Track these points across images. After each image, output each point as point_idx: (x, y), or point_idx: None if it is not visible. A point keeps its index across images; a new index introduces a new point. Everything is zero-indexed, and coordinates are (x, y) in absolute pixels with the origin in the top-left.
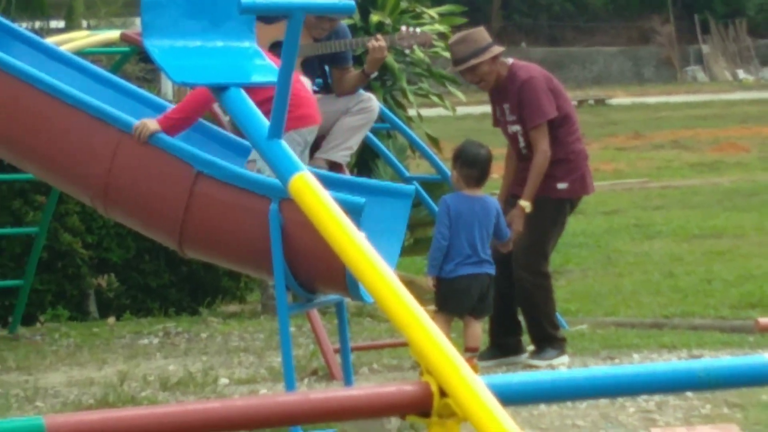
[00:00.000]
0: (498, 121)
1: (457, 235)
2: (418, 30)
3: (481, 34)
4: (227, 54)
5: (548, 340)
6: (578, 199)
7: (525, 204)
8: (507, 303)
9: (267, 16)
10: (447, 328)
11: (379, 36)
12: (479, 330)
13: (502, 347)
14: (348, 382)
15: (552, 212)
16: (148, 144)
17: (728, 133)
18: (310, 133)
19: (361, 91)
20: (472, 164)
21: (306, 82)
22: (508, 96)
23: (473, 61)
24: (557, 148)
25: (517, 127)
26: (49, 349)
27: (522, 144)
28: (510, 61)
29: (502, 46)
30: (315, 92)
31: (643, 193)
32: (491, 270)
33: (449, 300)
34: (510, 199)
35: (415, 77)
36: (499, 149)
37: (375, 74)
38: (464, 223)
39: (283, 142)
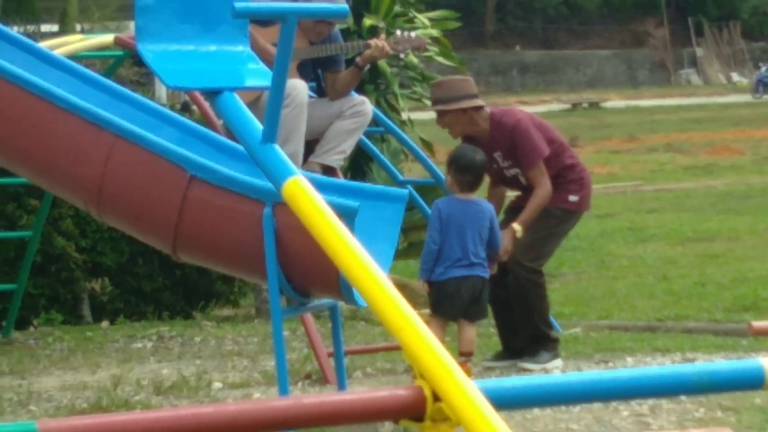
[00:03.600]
0: (491, 170)
1: (448, 239)
2: (413, 34)
3: (461, 84)
4: (220, 58)
5: (542, 342)
6: (581, 214)
7: (517, 228)
8: (509, 307)
9: (262, 19)
10: (441, 332)
11: (375, 39)
12: (473, 334)
13: (513, 350)
14: (341, 386)
15: (559, 219)
16: (141, 147)
17: (722, 136)
18: None
19: (355, 95)
20: (466, 170)
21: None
22: (498, 144)
23: (439, 107)
24: (568, 171)
25: (515, 171)
26: (43, 353)
27: (524, 183)
28: (488, 110)
29: (482, 103)
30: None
31: (637, 196)
32: (483, 273)
33: (440, 303)
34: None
35: (408, 81)
36: None
37: (367, 68)
38: (456, 226)
39: (277, 147)
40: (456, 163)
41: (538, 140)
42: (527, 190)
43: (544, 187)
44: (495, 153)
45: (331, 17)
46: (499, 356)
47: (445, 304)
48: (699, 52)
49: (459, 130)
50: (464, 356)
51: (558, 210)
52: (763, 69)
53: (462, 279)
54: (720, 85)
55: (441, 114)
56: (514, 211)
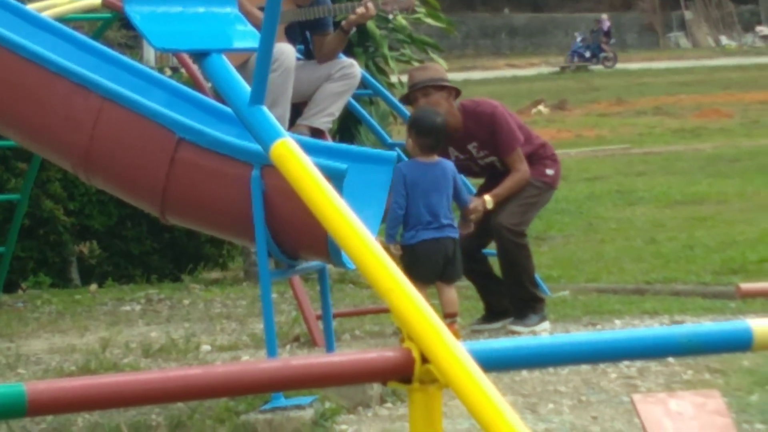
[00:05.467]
0: (463, 164)
1: (415, 203)
2: None
3: (443, 71)
4: (208, 20)
5: (530, 304)
6: (554, 191)
7: (488, 199)
8: (485, 274)
9: None
10: (424, 296)
11: (369, 3)
12: (454, 295)
13: (498, 312)
14: (330, 348)
15: (540, 190)
16: (130, 110)
17: (711, 100)
18: None
19: (343, 57)
20: (427, 133)
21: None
22: (474, 134)
23: (427, 83)
24: (541, 149)
25: (492, 158)
26: (31, 316)
27: (500, 169)
28: (458, 103)
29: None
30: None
31: (626, 159)
32: (454, 234)
33: (414, 267)
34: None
35: (396, 44)
36: None
37: (354, 30)
38: (422, 190)
39: (265, 109)
40: (416, 126)
41: (515, 127)
42: (501, 176)
43: (522, 171)
44: (469, 144)
45: None
46: (485, 319)
47: (420, 268)
48: (688, 15)
49: (442, 111)
50: (449, 317)
51: (538, 182)
52: (579, 39)
53: (434, 241)
54: (709, 48)
55: (425, 93)
56: (483, 191)
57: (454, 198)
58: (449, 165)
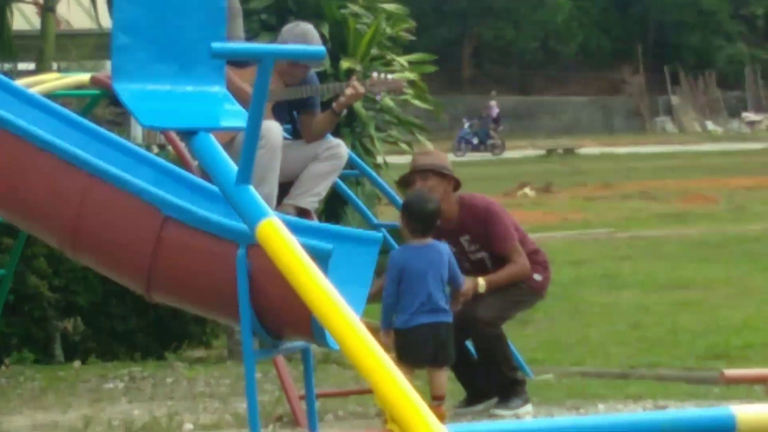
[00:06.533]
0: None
1: (410, 287)
2: (389, 76)
3: (447, 160)
4: (197, 98)
5: (512, 388)
6: (539, 299)
7: (481, 283)
8: (464, 358)
9: (238, 61)
10: (409, 377)
11: (356, 82)
12: (444, 378)
13: (479, 394)
14: (313, 429)
15: (526, 292)
16: (117, 187)
17: (697, 185)
18: None
19: (330, 138)
20: (418, 218)
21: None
22: (467, 227)
23: (430, 168)
24: (533, 255)
25: (482, 254)
26: (14, 392)
27: (490, 267)
28: (456, 194)
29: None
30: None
31: (611, 243)
32: (447, 318)
33: (407, 351)
34: None
35: (383, 125)
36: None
37: (344, 113)
38: (416, 273)
39: (252, 188)
40: (408, 210)
41: (510, 223)
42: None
43: (521, 264)
44: (462, 237)
45: (307, 59)
46: (468, 401)
47: (412, 352)
48: (674, 100)
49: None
50: (437, 400)
51: (525, 285)
52: (466, 126)
53: (428, 326)
54: (695, 133)
55: (424, 178)
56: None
57: (448, 281)
58: (444, 247)
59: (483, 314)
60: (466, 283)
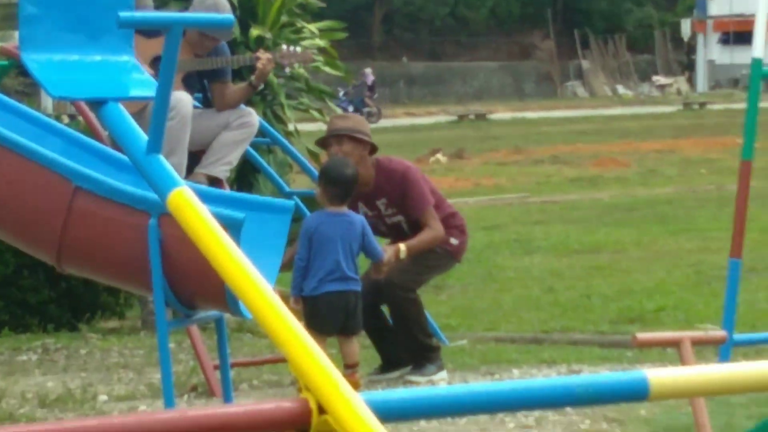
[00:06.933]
0: (371, 222)
1: (320, 253)
2: (298, 49)
3: (365, 124)
4: (105, 68)
5: (426, 354)
6: (456, 262)
7: (403, 249)
8: (381, 325)
9: (147, 31)
10: (322, 345)
11: (261, 53)
12: (356, 346)
13: (393, 362)
14: (227, 398)
15: (440, 256)
16: (26, 158)
17: (608, 149)
18: None
19: (242, 106)
20: (335, 182)
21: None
22: (384, 190)
23: (346, 133)
24: (450, 218)
25: (398, 218)
26: None
27: (406, 230)
28: (373, 158)
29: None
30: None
31: (524, 208)
32: (356, 287)
33: (315, 318)
34: None
35: (294, 92)
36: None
37: (261, 86)
38: (327, 239)
39: (162, 157)
40: (326, 176)
41: (426, 188)
42: (407, 238)
43: (437, 230)
44: (378, 200)
45: (216, 27)
46: (382, 369)
47: (320, 320)
48: (585, 64)
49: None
50: (350, 368)
51: (440, 249)
52: (341, 93)
53: (336, 294)
54: (606, 98)
55: (339, 142)
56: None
57: (364, 251)
58: (358, 218)
59: (398, 279)
60: (387, 251)
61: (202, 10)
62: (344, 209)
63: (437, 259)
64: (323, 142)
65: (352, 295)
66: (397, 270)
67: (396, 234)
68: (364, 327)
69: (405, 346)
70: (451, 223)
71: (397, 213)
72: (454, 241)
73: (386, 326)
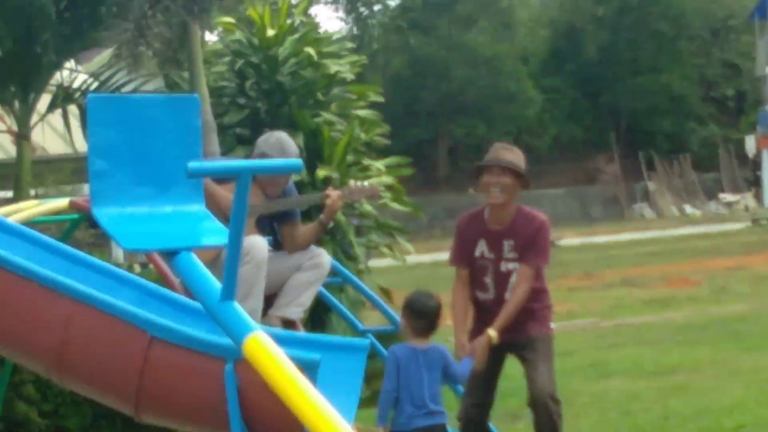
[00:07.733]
0: (480, 258)
1: (406, 388)
2: (366, 183)
3: (522, 159)
4: (176, 218)
5: None
6: None
7: (493, 334)
8: None
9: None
10: None
11: (330, 191)
12: None
13: None
14: None
15: (552, 347)
16: (101, 311)
17: (678, 269)
18: None
19: (313, 247)
20: (420, 315)
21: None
22: (518, 233)
23: (511, 167)
24: (543, 295)
25: (513, 265)
26: None
27: (509, 285)
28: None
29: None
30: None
31: (597, 332)
32: (443, 420)
33: None
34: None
35: (363, 230)
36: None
37: (331, 224)
38: (413, 375)
39: (236, 304)
40: (410, 308)
41: (549, 252)
42: (497, 304)
43: (527, 292)
44: (506, 240)
45: (285, 172)
46: None
47: None
48: (651, 185)
49: (503, 198)
50: None
51: (548, 337)
52: None
53: (423, 429)
54: (673, 218)
55: (502, 172)
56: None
57: (445, 377)
58: (437, 351)
59: (548, 388)
60: (479, 341)
61: (266, 149)
62: (427, 343)
63: (552, 348)
64: (481, 169)
65: (439, 429)
66: (541, 377)
67: (498, 287)
68: None
69: None
70: (545, 301)
71: (516, 260)
72: (553, 325)
73: None
